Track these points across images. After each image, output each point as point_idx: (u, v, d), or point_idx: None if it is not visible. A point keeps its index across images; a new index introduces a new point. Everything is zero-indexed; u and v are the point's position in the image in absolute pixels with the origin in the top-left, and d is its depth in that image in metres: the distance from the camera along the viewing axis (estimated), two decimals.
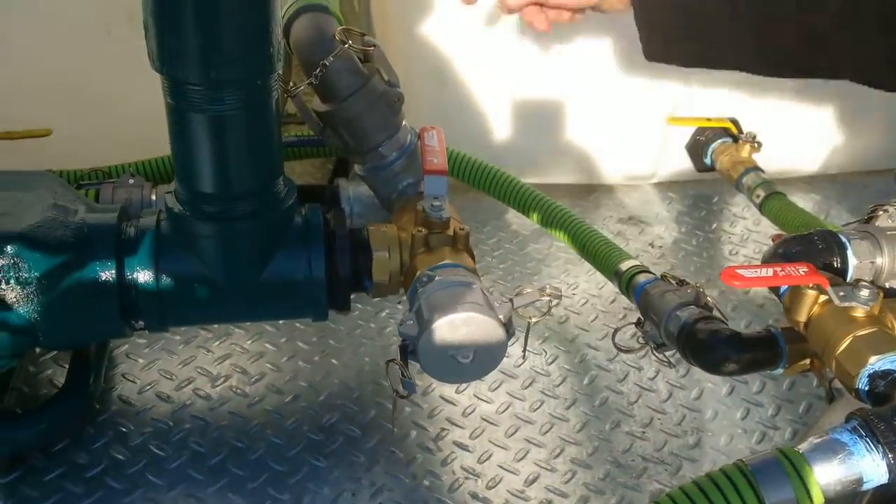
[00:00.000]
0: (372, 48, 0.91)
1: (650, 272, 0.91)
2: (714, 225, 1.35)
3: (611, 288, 1.05)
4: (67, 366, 0.89)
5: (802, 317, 0.70)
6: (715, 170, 1.28)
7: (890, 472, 0.55)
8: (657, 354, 0.85)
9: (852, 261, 0.75)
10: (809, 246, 0.76)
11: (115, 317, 0.80)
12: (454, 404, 0.95)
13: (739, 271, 0.67)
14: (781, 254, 0.76)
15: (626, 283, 0.92)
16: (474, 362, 0.74)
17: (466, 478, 0.86)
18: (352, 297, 0.86)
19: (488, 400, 0.96)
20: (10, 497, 0.80)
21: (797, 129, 1.41)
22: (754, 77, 1.32)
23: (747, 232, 1.33)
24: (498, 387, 0.98)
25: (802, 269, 0.68)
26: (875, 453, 0.55)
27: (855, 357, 0.64)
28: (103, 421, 0.89)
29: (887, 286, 0.75)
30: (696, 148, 1.32)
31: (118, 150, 1.13)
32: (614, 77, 1.32)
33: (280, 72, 0.78)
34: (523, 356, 1.02)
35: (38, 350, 0.95)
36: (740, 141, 1.25)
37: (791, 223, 1.10)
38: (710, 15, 0.76)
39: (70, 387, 0.87)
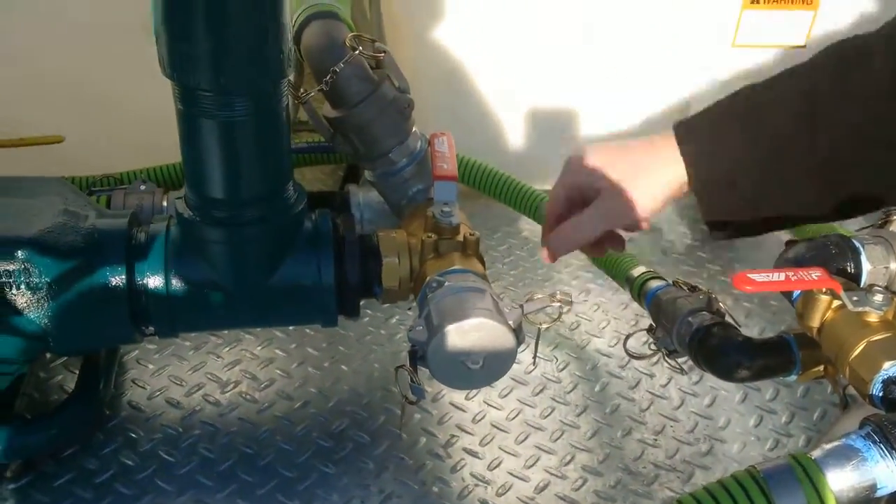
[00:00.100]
0: (382, 54, 0.91)
1: (662, 278, 0.91)
2: None
3: (622, 294, 1.05)
4: (78, 371, 0.89)
5: (815, 322, 0.69)
6: None
7: None
8: (669, 361, 0.85)
9: (866, 266, 0.74)
10: (823, 251, 0.75)
11: (125, 322, 0.80)
12: (464, 411, 0.95)
13: (751, 276, 0.67)
14: (794, 259, 0.75)
15: (638, 289, 0.91)
16: (484, 368, 0.74)
17: (476, 485, 0.86)
18: (361, 303, 0.86)
19: (498, 406, 0.96)
20: (21, 502, 0.80)
21: None
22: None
23: (760, 238, 1.32)
24: (508, 393, 0.98)
25: (815, 274, 0.67)
26: (889, 459, 0.54)
27: (869, 362, 0.63)
28: (113, 427, 0.89)
29: None
30: None
31: (129, 155, 1.13)
32: (625, 82, 1.31)
33: (290, 78, 0.78)
34: (534, 362, 1.01)
35: (48, 356, 0.96)
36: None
37: (804, 228, 1.09)
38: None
39: (80, 392, 0.87)
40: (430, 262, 0.82)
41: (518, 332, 0.75)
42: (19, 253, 0.75)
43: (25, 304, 0.76)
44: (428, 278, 0.79)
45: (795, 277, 0.68)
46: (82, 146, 1.12)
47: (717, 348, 0.76)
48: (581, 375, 1.02)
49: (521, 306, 0.77)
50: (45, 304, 0.76)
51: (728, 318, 0.80)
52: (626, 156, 0.74)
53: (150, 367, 0.98)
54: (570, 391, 0.99)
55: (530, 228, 1.29)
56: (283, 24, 0.73)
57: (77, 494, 0.81)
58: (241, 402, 0.94)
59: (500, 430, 0.93)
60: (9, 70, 1.13)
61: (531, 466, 0.89)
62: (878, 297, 0.66)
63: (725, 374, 0.76)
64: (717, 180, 0.71)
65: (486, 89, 1.32)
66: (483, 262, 0.84)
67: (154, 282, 0.79)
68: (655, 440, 0.93)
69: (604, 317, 1.13)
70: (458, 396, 0.96)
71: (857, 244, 0.75)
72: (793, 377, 0.76)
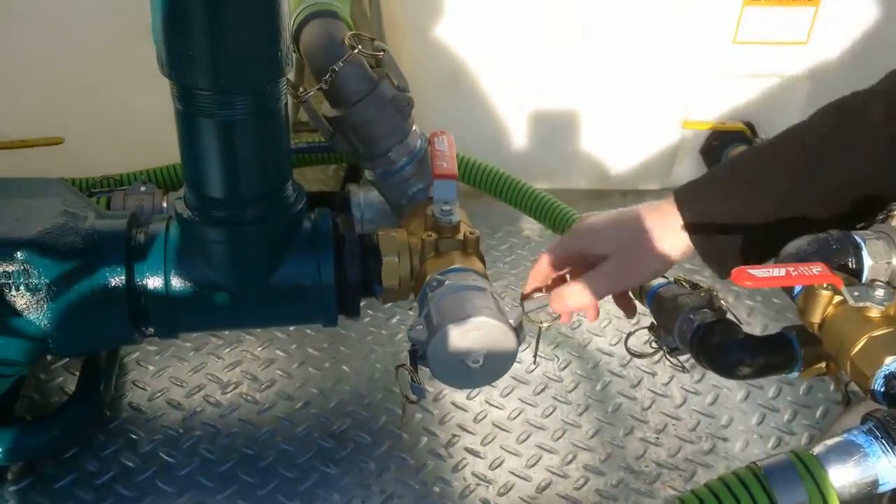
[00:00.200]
0: (382, 53, 0.91)
1: (663, 275, 0.90)
2: None
3: None
4: (78, 373, 0.89)
5: (816, 318, 0.68)
6: None
7: None
8: (671, 359, 0.84)
9: (867, 261, 0.74)
10: (824, 246, 0.74)
11: (125, 323, 0.80)
12: (465, 410, 0.95)
13: (751, 271, 0.66)
14: (795, 254, 0.74)
15: (639, 287, 0.91)
16: (484, 367, 0.73)
17: (478, 484, 0.86)
18: (362, 303, 0.86)
19: (500, 406, 0.96)
20: None
21: None
22: (769, 80, 1.32)
23: None
24: (510, 392, 0.98)
25: (816, 269, 0.67)
26: (891, 455, 0.54)
27: (870, 358, 0.62)
28: (114, 428, 0.89)
29: None
30: (711, 152, 1.31)
31: (128, 156, 1.13)
32: (627, 81, 1.31)
33: (289, 77, 0.78)
34: (535, 361, 1.01)
35: (49, 357, 0.95)
36: (755, 144, 1.24)
37: None
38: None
39: (81, 394, 0.87)
40: (430, 260, 0.82)
41: (519, 331, 0.74)
42: (19, 254, 0.75)
43: (25, 306, 0.76)
44: (428, 277, 0.79)
45: (796, 273, 0.67)
46: (82, 147, 1.12)
47: (718, 346, 0.75)
48: (582, 374, 1.02)
49: (522, 305, 0.77)
50: (45, 306, 0.76)
51: (729, 316, 0.79)
52: (633, 222, 0.77)
53: (151, 368, 0.97)
54: (572, 390, 0.99)
55: (531, 227, 1.29)
56: (281, 23, 0.72)
57: (78, 496, 0.81)
58: (241, 402, 0.94)
59: (502, 429, 0.93)
60: (9, 71, 1.13)
61: (533, 466, 0.88)
62: (880, 293, 0.66)
63: (727, 371, 0.76)
64: (723, 248, 0.75)
65: (486, 88, 1.32)
66: (483, 261, 0.84)
67: (153, 282, 0.79)
68: (657, 439, 0.93)
69: (605, 315, 1.12)
70: (459, 396, 0.96)
71: (859, 239, 0.75)
72: (794, 374, 0.75)
